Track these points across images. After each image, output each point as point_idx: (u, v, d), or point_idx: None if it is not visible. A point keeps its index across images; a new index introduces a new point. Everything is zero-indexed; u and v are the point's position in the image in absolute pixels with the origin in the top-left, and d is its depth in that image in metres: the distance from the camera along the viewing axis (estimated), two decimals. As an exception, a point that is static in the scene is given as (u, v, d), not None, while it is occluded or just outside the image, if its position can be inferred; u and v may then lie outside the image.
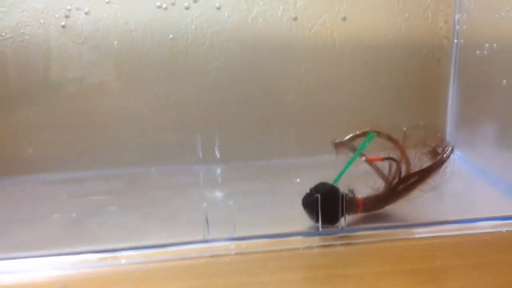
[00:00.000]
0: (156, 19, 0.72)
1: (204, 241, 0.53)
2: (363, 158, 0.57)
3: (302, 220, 0.56)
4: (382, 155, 0.57)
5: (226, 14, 0.73)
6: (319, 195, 0.54)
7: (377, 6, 0.76)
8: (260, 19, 0.74)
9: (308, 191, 0.56)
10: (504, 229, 0.55)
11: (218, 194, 0.66)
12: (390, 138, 0.57)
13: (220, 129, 0.78)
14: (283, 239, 0.54)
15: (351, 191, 0.56)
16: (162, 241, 0.53)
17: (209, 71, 0.76)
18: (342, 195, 0.55)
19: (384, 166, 0.57)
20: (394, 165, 0.57)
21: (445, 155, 0.57)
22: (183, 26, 0.73)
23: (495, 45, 0.68)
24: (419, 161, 0.57)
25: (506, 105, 0.66)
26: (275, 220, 0.59)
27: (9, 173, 0.75)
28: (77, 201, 0.67)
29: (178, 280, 0.48)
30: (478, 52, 0.71)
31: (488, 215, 0.57)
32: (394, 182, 0.57)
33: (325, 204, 0.54)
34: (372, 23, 0.77)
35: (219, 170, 0.77)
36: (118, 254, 0.51)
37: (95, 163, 0.76)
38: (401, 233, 0.55)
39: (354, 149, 0.58)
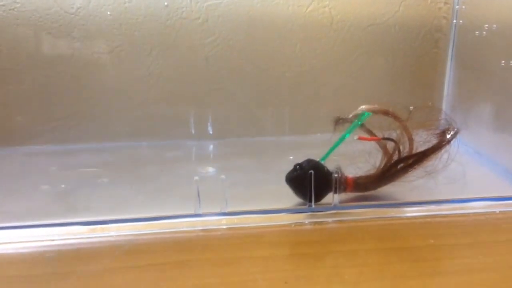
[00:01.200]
0: (150, -10, 0.71)
1: (195, 215, 0.53)
2: (356, 137, 0.56)
3: (294, 197, 0.55)
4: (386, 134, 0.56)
5: (223, -13, 0.72)
6: (312, 172, 0.53)
7: (376, -16, 0.76)
8: (257, -6, 0.73)
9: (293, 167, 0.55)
10: (497, 210, 0.55)
11: (210, 169, 0.65)
12: (396, 117, 0.55)
13: (213, 105, 0.77)
14: (275, 215, 0.53)
15: (339, 169, 0.55)
16: (152, 214, 0.52)
17: (203, 46, 0.75)
18: (337, 173, 0.54)
19: (390, 145, 0.56)
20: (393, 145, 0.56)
21: (446, 138, 0.55)
22: (177, -1, 0.72)
23: (494, 26, 0.67)
24: (424, 142, 0.55)
25: (503, 86, 0.66)
26: (267, 196, 0.58)
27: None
28: (67, 173, 0.66)
29: (168, 253, 0.47)
30: (477, 32, 0.70)
31: (482, 196, 0.57)
32: (389, 163, 0.56)
33: (308, 181, 0.53)
34: (369, 2, 0.76)
35: (211, 146, 0.76)
36: (107, 226, 0.51)
37: (86, 137, 0.75)
38: (395, 211, 0.54)
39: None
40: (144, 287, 0.42)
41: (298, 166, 0.54)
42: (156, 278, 0.43)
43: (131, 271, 0.44)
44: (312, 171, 0.53)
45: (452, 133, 0.55)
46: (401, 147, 0.55)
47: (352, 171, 0.56)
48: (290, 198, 0.55)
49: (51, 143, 0.74)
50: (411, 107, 0.55)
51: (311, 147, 0.61)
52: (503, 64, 0.64)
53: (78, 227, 0.50)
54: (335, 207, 0.54)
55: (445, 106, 0.81)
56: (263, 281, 0.42)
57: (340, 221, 0.53)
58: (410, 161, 0.55)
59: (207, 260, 0.46)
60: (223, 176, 0.53)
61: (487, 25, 0.68)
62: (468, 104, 0.76)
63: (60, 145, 0.74)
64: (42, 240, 0.49)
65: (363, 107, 0.56)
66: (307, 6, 0.75)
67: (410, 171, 0.56)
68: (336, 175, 0.54)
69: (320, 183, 0.54)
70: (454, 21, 0.77)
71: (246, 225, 0.52)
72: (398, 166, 0.55)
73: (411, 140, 0.55)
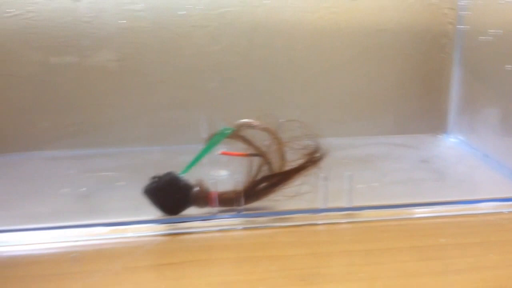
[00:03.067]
0: (162, -1, 0.73)
1: (211, 217, 0.54)
2: (219, 152, 0.56)
3: (308, 198, 0.56)
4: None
5: (232, -5, 0.74)
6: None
7: (382, -9, 0.77)
8: (267, 1, 0.74)
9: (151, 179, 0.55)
10: (505, 210, 0.57)
11: (224, 172, 0.66)
12: (271, 133, 0.54)
13: (223, 110, 0.78)
14: (289, 216, 0.55)
15: (200, 183, 0.55)
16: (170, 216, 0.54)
17: (213, 53, 0.76)
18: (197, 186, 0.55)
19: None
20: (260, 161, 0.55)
21: (312, 160, 0.55)
22: (189, 6, 0.73)
23: (499, 31, 0.68)
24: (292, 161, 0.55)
25: (509, 90, 0.67)
26: (280, 197, 0.59)
27: (20, 149, 0.76)
28: (85, 177, 0.68)
29: (187, 252, 0.48)
30: (483, 37, 0.72)
31: (490, 197, 0.58)
32: (254, 180, 0.55)
33: (164, 194, 0.54)
34: (377, 8, 0.78)
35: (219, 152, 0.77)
36: (128, 227, 0.52)
37: (101, 142, 0.77)
38: (405, 212, 0.56)
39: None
40: (165, 284, 0.43)
41: (156, 178, 0.54)
42: (178, 276, 0.44)
43: (152, 269, 0.46)
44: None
45: (318, 154, 0.55)
46: (271, 163, 0.54)
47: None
48: (304, 199, 0.55)
49: (68, 148, 0.76)
50: (281, 120, 0.55)
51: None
52: (508, 68, 0.66)
53: (99, 228, 0.52)
54: (349, 208, 0.55)
55: (451, 109, 0.82)
56: (281, 278, 0.44)
57: (353, 222, 0.54)
58: (275, 179, 0.55)
59: (225, 259, 0.47)
60: (237, 177, 0.54)
61: (492, 30, 0.69)
62: (474, 108, 0.77)
63: (77, 150, 0.76)
64: (66, 241, 0.51)
65: (244, 120, 0.55)
66: (314, 12, 0.76)
67: (275, 190, 0.55)
68: (196, 188, 0.54)
69: (177, 196, 0.54)
70: (460, 26, 0.79)
71: (261, 226, 0.54)
72: (262, 183, 0.55)
73: (283, 158, 0.54)
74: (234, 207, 0.55)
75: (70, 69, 0.74)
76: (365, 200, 0.57)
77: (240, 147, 0.55)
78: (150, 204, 0.54)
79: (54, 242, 0.51)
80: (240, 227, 0.54)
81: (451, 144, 0.81)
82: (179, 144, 0.78)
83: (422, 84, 0.82)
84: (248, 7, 0.75)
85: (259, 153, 0.55)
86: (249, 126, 0.55)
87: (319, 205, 0.55)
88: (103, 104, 0.76)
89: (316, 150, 0.55)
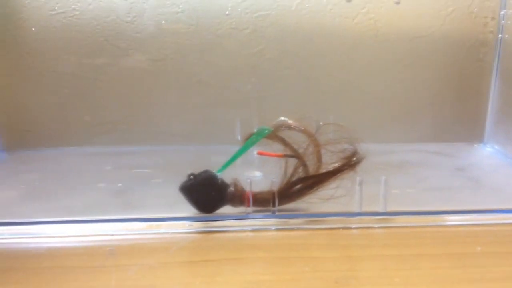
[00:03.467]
0: (202, 1, 0.74)
1: (245, 217, 0.54)
2: (255, 152, 0.56)
3: (343, 201, 0.55)
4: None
5: (272, -1, 0.74)
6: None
7: (421, -1, 0.77)
8: (306, 5, 0.75)
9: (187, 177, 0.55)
10: (543, 220, 0.56)
11: (257, 173, 0.67)
12: (309, 135, 0.54)
13: (259, 112, 0.79)
14: (323, 218, 0.55)
15: (235, 183, 0.55)
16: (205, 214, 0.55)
17: (251, 56, 0.76)
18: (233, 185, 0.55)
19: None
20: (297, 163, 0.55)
21: (349, 163, 0.54)
22: (229, 8, 0.74)
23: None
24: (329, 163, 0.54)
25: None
26: (314, 199, 0.59)
27: (60, 144, 0.78)
28: (121, 173, 0.70)
29: (220, 251, 0.49)
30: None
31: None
32: (290, 181, 0.55)
33: (200, 192, 0.54)
34: (416, 15, 0.77)
35: (255, 152, 0.77)
36: (164, 223, 0.53)
37: (137, 140, 0.78)
38: (440, 219, 0.55)
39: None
40: (200, 280, 0.44)
41: (192, 176, 0.54)
42: (212, 273, 0.45)
43: (188, 265, 0.46)
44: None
45: (356, 158, 0.54)
46: (307, 166, 0.54)
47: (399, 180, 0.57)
48: (339, 202, 0.55)
49: (105, 145, 0.77)
50: (321, 123, 0.55)
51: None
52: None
53: (135, 223, 0.53)
54: (383, 212, 0.55)
55: (489, 119, 0.81)
56: (314, 280, 0.44)
57: (387, 227, 0.54)
58: (310, 181, 0.54)
59: (259, 258, 0.47)
60: (272, 178, 0.55)
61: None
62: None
63: (113, 147, 0.77)
64: (102, 235, 0.52)
65: (281, 118, 0.56)
66: (353, 18, 0.76)
67: (310, 192, 0.55)
68: (231, 188, 0.54)
69: (213, 194, 0.54)
70: (500, 35, 0.78)
71: (295, 227, 0.54)
72: (297, 185, 0.55)
73: (319, 160, 0.54)
74: (268, 208, 0.55)
75: (110, 67, 0.75)
76: (400, 206, 0.56)
77: (276, 148, 0.55)
78: (186, 201, 0.54)
79: (90, 235, 0.52)
80: (274, 227, 0.54)
81: (487, 154, 0.80)
82: (214, 144, 0.79)
83: (460, 92, 0.81)
84: (286, 11, 0.75)
85: (296, 155, 0.55)
86: (287, 127, 0.55)
87: (354, 208, 0.55)
88: (141, 103, 0.78)
89: (353, 154, 0.54)
